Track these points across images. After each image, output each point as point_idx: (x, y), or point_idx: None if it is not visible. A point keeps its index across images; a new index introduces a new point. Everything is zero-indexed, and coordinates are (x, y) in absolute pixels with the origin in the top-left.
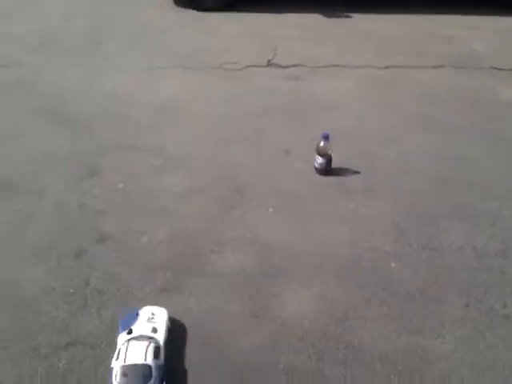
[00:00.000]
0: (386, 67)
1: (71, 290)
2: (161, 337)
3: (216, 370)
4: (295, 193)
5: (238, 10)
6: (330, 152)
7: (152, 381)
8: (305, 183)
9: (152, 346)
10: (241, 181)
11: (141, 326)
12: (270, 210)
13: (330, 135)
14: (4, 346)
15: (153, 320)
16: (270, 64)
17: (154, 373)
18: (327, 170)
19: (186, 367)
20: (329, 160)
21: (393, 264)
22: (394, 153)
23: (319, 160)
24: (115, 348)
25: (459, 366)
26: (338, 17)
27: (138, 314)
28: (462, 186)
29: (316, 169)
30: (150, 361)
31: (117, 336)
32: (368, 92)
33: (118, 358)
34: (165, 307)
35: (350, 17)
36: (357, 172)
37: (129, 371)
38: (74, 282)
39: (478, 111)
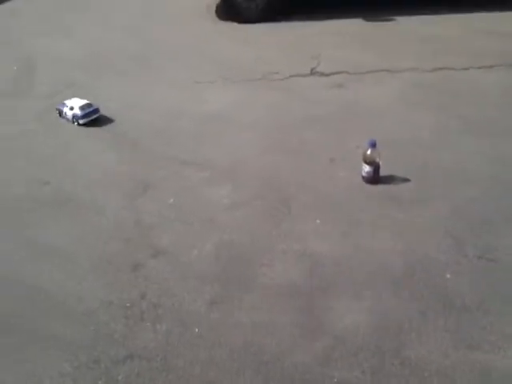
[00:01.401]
0: (434, 70)
1: (128, 304)
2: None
3: None
4: (343, 203)
5: (279, 21)
6: (377, 160)
7: (95, 106)
8: (352, 192)
9: (84, 100)
10: (287, 191)
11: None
12: (318, 221)
13: (376, 142)
14: (66, 359)
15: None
16: (313, 72)
17: (94, 104)
18: (375, 178)
19: None
20: (376, 168)
21: (448, 275)
22: (446, 158)
23: (366, 168)
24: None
25: None
26: (381, 20)
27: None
28: None
29: (363, 177)
30: (88, 101)
31: (63, 114)
32: (415, 96)
33: (72, 108)
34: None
35: (394, 19)
36: (407, 180)
37: (83, 106)
38: (131, 296)
39: None
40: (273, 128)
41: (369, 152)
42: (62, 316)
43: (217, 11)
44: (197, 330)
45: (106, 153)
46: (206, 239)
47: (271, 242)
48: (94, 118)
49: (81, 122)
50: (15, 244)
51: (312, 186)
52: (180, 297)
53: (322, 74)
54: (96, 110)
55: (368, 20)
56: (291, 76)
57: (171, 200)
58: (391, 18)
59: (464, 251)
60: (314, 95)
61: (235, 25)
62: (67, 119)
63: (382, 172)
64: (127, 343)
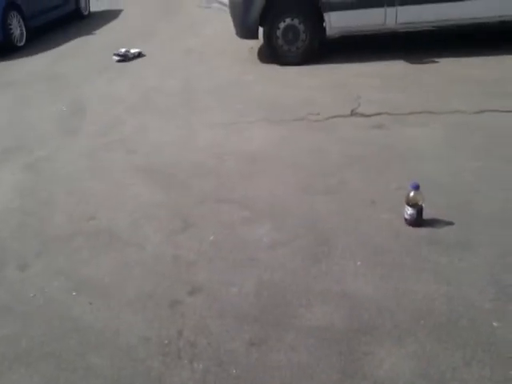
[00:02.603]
0: (478, 112)
1: (166, 341)
2: (134, 51)
3: None
4: (384, 245)
5: (319, 63)
6: (420, 202)
7: (124, 55)
8: (394, 235)
9: (124, 49)
10: (327, 232)
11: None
12: (359, 263)
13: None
14: None
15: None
16: (353, 113)
17: (126, 54)
18: (418, 221)
19: None
20: (419, 211)
21: (495, 323)
22: (492, 202)
23: (409, 211)
24: None
25: None
26: (422, 63)
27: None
28: None
29: (406, 220)
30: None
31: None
32: (458, 139)
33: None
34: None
35: (436, 61)
36: (450, 223)
37: (120, 50)
38: (169, 333)
39: None
40: (313, 168)
41: (412, 194)
42: (98, 349)
43: (259, 54)
44: (234, 370)
45: (148, 189)
46: (246, 278)
47: (310, 282)
48: (120, 60)
49: (114, 57)
50: (52, 275)
51: (352, 228)
52: (217, 336)
53: (363, 115)
54: (123, 56)
55: (408, 62)
56: (332, 117)
57: (211, 237)
58: (432, 60)
59: (510, 298)
60: (354, 136)
61: (276, 67)
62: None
63: (425, 215)
64: (164, 381)
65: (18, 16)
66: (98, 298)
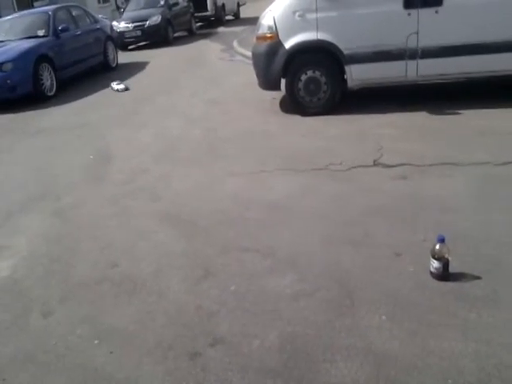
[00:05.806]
0: (503, 164)
1: None
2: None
3: None
4: (410, 299)
5: (341, 113)
6: (446, 256)
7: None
8: (420, 288)
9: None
10: (351, 284)
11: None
12: (384, 317)
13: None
14: None
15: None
16: (376, 164)
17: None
18: (444, 274)
19: None
20: (445, 264)
21: None
22: None
23: (435, 264)
24: None
25: None
26: (445, 114)
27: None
28: None
29: (431, 273)
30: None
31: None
32: (483, 190)
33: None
34: None
35: (460, 113)
36: (477, 277)
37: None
38: None
39: None
40: (336, 218)
41: (438, 247)
42: None
43: (281, 104)
44: None
45: (171, 236)
46: (268, 330)
47: (334, 336)
48: None
49: None
50: (75, 322)
51: (377, 280)
52: None
53: (386, 166)
54: None
55: (430, 113)
56: (354, 167)
57: (232, 287)
58: (454, 111)
59: None
60: (377, 186)
61: (298, 117)
62: None
63: (451, 268)
64: None
65: (49, 67)
66: (120, 347)
